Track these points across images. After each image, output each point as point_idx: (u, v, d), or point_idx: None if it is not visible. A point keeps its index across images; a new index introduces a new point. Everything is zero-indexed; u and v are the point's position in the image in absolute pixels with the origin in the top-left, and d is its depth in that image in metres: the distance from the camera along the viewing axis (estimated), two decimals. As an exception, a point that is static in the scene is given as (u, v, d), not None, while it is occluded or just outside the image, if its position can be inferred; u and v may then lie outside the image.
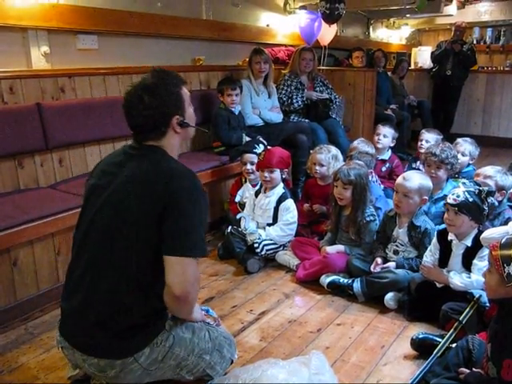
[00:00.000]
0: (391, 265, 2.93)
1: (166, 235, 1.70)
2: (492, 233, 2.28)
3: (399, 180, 3.03)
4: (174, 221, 1.70)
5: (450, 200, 2.57)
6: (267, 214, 3.52)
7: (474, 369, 1.95)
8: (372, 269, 2.94)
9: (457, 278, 2.53)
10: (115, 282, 1.74)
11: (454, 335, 2.29)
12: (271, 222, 3.50)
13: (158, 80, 1.84)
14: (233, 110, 4.30)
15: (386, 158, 4.43)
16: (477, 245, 2.55)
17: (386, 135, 4.42)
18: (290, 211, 3.46)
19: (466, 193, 2.53)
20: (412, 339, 2.38)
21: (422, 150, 3.95)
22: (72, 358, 1.88)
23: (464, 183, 2.67)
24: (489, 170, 3.11)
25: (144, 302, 1.76)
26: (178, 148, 1.95)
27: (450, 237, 2.65)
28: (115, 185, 1.79)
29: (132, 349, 1.77)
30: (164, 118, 1.82)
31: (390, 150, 4.47)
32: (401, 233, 2.99)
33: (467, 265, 2.58)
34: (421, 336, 2.37)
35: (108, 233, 1.76)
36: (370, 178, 3.66)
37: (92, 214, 1.81)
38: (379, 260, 2.98)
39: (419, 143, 4.25)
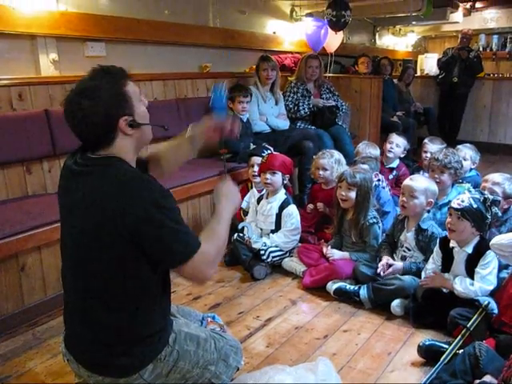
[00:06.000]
0: (398, 265, 2.93)
1: (156, 255, 1.62)
2: (501, 239, 2.28)
3: (406, 181, 3.05)
4: (154, 239, 1.58)
5: (454, 204, 2.57)
6: (269, 220, 3.53)
7: (485, 379, 1.94)
8: (380, 271, 2.92)
9: (460, 285, 2.53)
10: (106, 305, 1.69)
11: (461, 342, 2.29)
12: (273, 228, 3.51)
13: (96, 80, 1.62)
14: (241, 117, 4.32)
15: (394, 167, 4.42)
16: (478, 252, 2.55)
17: (399, 145, 4.38)
18: (293, 217, 3.47)
19: (471, 199, 2.53)
20: (419, 346, 2.37)
21: (426, 162, 3.94)
22: (77, 372, 1.87)
23: (470, 190, 2.67)
24: (497, 176, 3.12)
25: (142, 320, 1.72)
26: (133, 152, 1.73)
27: (452, 244, 2.66)
28: (74, 204, 1.67)
29: (136, 367, 1.74)
30: (109, 121, 1.61)
31: (398, 160, 4.46)
32: (409, 236, 3.00)
33: (470, 272, 2.57)
34: (427, 343, 2.36)
35: (81, 255, 1.68)
36: (379, 183, 3.68)
37: (64, 237, 1.77)
38: (385, 260, 2.97)
39: (423, 155, 4.24)
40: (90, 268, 1.67)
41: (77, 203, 1.65)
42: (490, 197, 2.56)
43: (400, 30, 8.92)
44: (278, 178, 3.48)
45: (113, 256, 1.62)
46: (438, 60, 7.90)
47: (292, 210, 3.48)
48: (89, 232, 1.62)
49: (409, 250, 3.00)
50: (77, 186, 1.66)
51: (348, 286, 2.97)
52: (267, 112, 4.73)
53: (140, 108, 1.70)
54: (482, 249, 2.54)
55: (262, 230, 3.58)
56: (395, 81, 7.23)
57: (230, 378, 2.01)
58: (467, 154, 3.89)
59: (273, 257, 3.38)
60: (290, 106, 5.06)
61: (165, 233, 1.59)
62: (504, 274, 2.62)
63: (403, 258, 3.02)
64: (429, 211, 3.04)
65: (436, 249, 2.78)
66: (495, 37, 8.65)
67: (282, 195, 3.53)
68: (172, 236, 1.60)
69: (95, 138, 1.64)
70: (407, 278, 2.85)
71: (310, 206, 3.84)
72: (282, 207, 3.48)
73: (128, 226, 1.56)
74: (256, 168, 3.72)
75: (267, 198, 3.57)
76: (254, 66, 4.83)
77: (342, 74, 6.72)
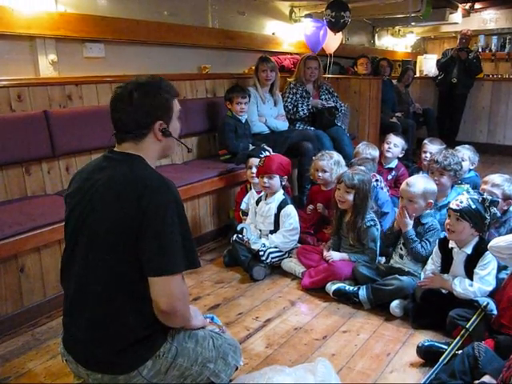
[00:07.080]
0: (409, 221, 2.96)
1: (143, 256, 1.64)
2: (499, 241, 2.28)
3: (403, 186, 3.04)
4: (149, 241, 1.63)
5: (452, 205, 2.58)
6: (268, 221, 3.53)
7: (484, 379, 1.95)
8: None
9: (459, 286, 2.53)
10: (108, 304, 1.70)
11: (460, 342, 2.29)
12: (272, 228, 3.51)
13: (153, 81, 1.80)
14: (240, 118, 4.32)
15: (393, 167, 4.42)
16: (477, 253, 2.56)
17: (397, 145, 4.38)
18: (291, 217, 3.47)
19: (470, 200, 2.53)
20: (418, 347, 2.37)
21: (426, 163, 3.95)
22: (76, 371, 1.87)
23: (468, 191, 2.67)
24: (497, 178, 3.11)
25: (143, 316, 1.73)
26: (156, 157, 1.86)
27: (451, 245, 2.66)
28: (90, 202, 1.73)
29: (135, 363, 1.75)
30: (147, 119, 1.76)
31: (396, 160, 4.46)
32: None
33: (470, 273, 2.57)
34: (427, 343, 2.36)
35: (89, 253, 1.71)
36: (378, 183, 3.68)
37: (74, 235, 1.77)
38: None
39: (423, 155, 4.24)
40: (98, 264, 1.70)
41: (100, 193, 1.72)
42: (489, 197, 2.56)
43: (399, 30, 8.93)
44: (275, 181, 3.48)
45: (121, 248, 1.66)
46: (437, 61, 7.92)
47: (290, 210, 3.48)
48: (106, 223, 1.68)
49: (405, 247, 3.00)
50: (100, 177, 1.75)
51: (347, 287, 2.98)
52: (266, 113, 4.73)
53: (176, 123, 1.86)
54: (481, 249, 2.54)
55: (261, 231, 3.58)
56: (394, 82, 7.25)
57: (229, 376, 2.01)
58: (466, 155, 3.90)
59: (272, 258, 3.38)
60: (289, 107, 5.06)
61: (163, 242, 1.64)
62: (503, 275, 2.62)
63: (400, 257, 3.03)
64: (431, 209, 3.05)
65: (435, 249, 2.78)
66: (494, 37, 8.65)
67: (280, 195, 3.53)
68: (167, 247, 1.64)
69: (131, 128, 1.77)
70: (406, 278, 2.85)
71: (310, 206, 3.84)
72: (280, 207, 3.48)
73: (139, 209, 1.62)
74: (254, 169, 3.71)
75: (266, 199, 3.58)
76: (253, 67, 4.82)
77: (341, 74, 6.72)
